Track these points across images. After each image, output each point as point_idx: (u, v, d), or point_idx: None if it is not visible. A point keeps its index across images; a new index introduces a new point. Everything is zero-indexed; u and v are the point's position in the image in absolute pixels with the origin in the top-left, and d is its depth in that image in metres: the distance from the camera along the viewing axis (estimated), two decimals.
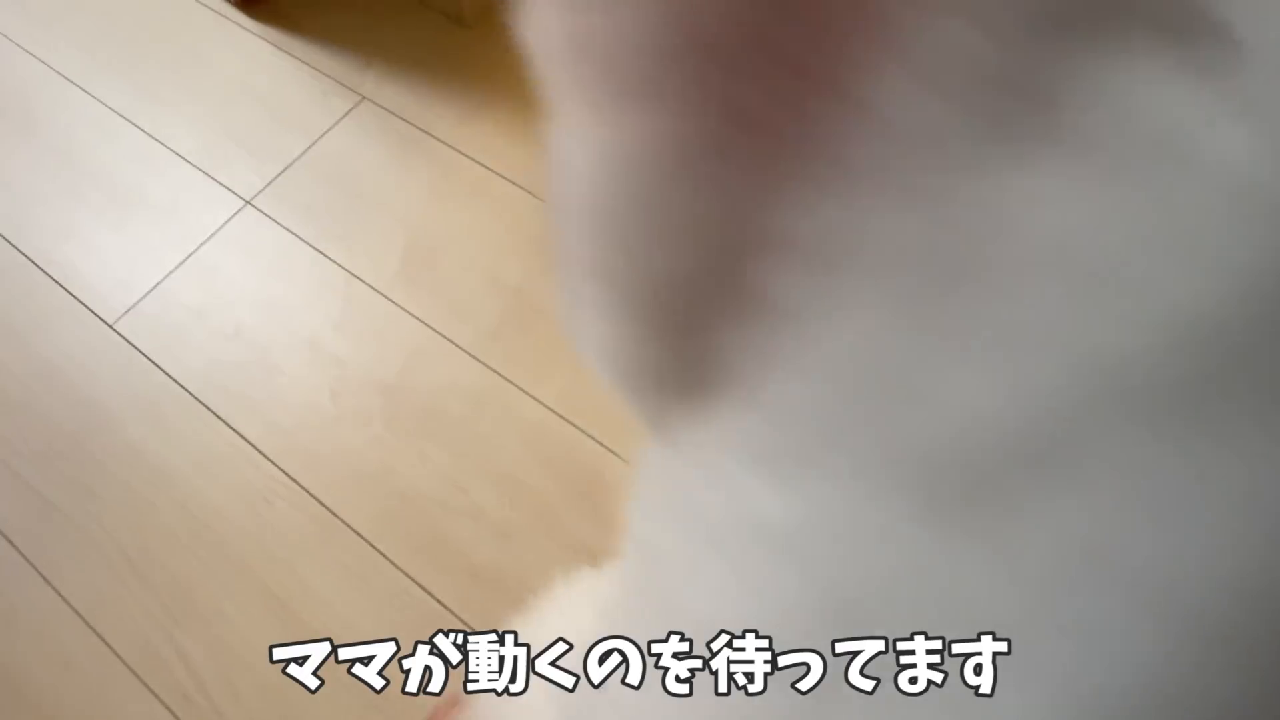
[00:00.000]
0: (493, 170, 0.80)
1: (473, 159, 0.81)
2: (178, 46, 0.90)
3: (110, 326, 0.72)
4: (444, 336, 0.71)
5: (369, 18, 0.91)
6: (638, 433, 0.22)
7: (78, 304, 0.74)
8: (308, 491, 0.63)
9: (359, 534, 0.62)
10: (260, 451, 0.66)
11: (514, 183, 0.80)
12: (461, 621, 0.58)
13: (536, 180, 0.78)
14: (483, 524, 0.62)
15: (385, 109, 0.84)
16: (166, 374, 0.69)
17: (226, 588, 0.61)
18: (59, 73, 0.88)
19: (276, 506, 0.64)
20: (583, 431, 0.65)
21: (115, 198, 0.79)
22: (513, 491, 0.63)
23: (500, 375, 0.68)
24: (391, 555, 0.61)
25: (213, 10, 0.92)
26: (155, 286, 0.74)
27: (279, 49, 0.90)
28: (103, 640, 0.59)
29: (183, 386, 0.69)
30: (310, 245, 0.76)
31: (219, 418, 0.67)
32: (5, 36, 0.90)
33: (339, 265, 0.75)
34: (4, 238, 0.77)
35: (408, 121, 0.83)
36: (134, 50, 0.90)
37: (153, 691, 0.57)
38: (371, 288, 0.74)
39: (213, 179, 0.80)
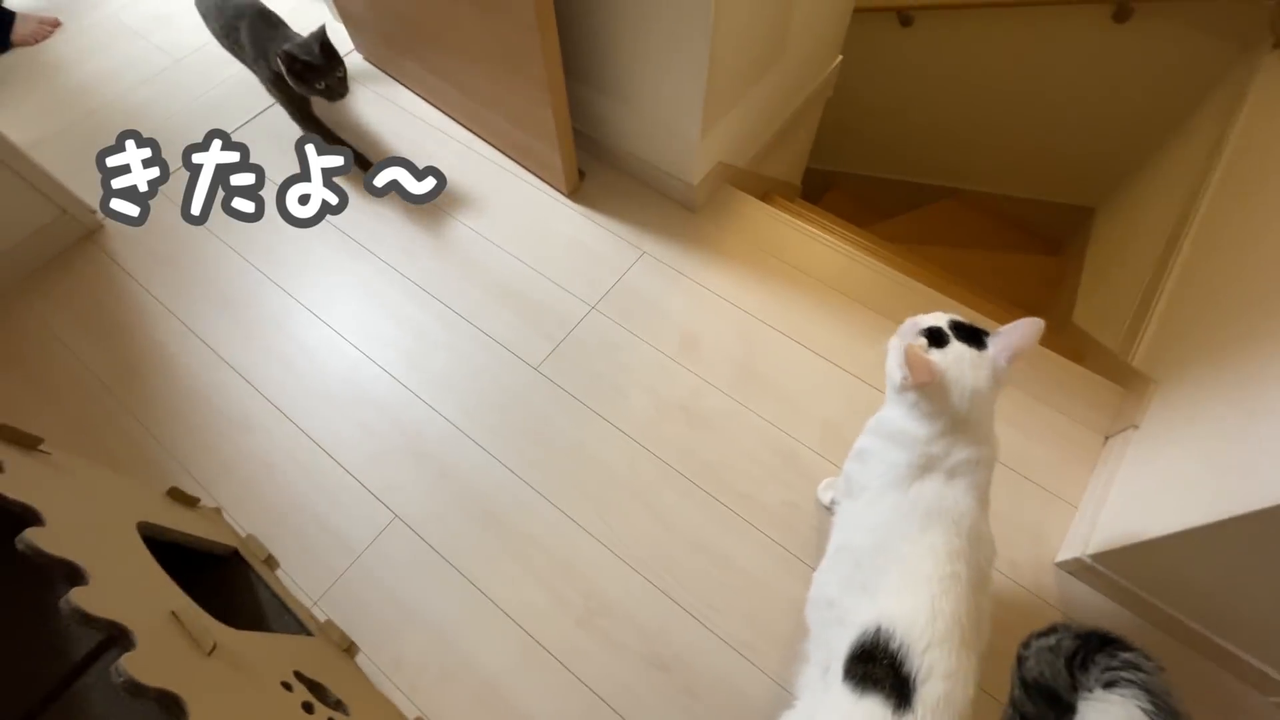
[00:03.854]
0: (718, 294, 1.52)
1: (707, 288, 1.53)
2: (534, 219, 1.63)
3: (535, 369, 1.42)
4: (707, 382, 1.40)
5: (638, 203, 1.65)
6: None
7: (511, 355, 1.44)
8: (652, 452, 1.31)
9: (684, 475, 1.29)
10: (624, 433, 1.34)
11: (729, 301, 1.51)
12: (734, 513, 1.25)
13: (740, 299, 1.50)
14: (736, 475, 1.29)
15: (657, 259, 1.57)
16: (573, 395, 1.39)
17: (617, 494, 1.28)
18: (488, 239, 1.61)
19: (633, 458, 1.31)
20: (786, 433, 1.33)
21: (526, 301, 1.51)
22: (754, 458, 1.31)
23: (741, 404, 1.37)
24: (710, 492, 1.28)
25: (550, 196, 1.66)
26: (555, 349, 1.44)
27: (590, 220, 1.63)
28: (536, 489, 1.26)
29: (580, 401, 1.38)
30: (631, 333, 1.46)
31: (602, 416, 1.36)
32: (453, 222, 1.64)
33: (647, 343, 1.45)
34: (463, 317, 1.48)
35: (671, 267, 1.56)
36: (511, 224, 1.63)
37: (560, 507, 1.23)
38: (666, 355, 1.43)
39: (569, 293, 1.52)
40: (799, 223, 1.68)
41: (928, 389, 0.80)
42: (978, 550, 0.77)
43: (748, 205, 1.68)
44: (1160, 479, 1.08)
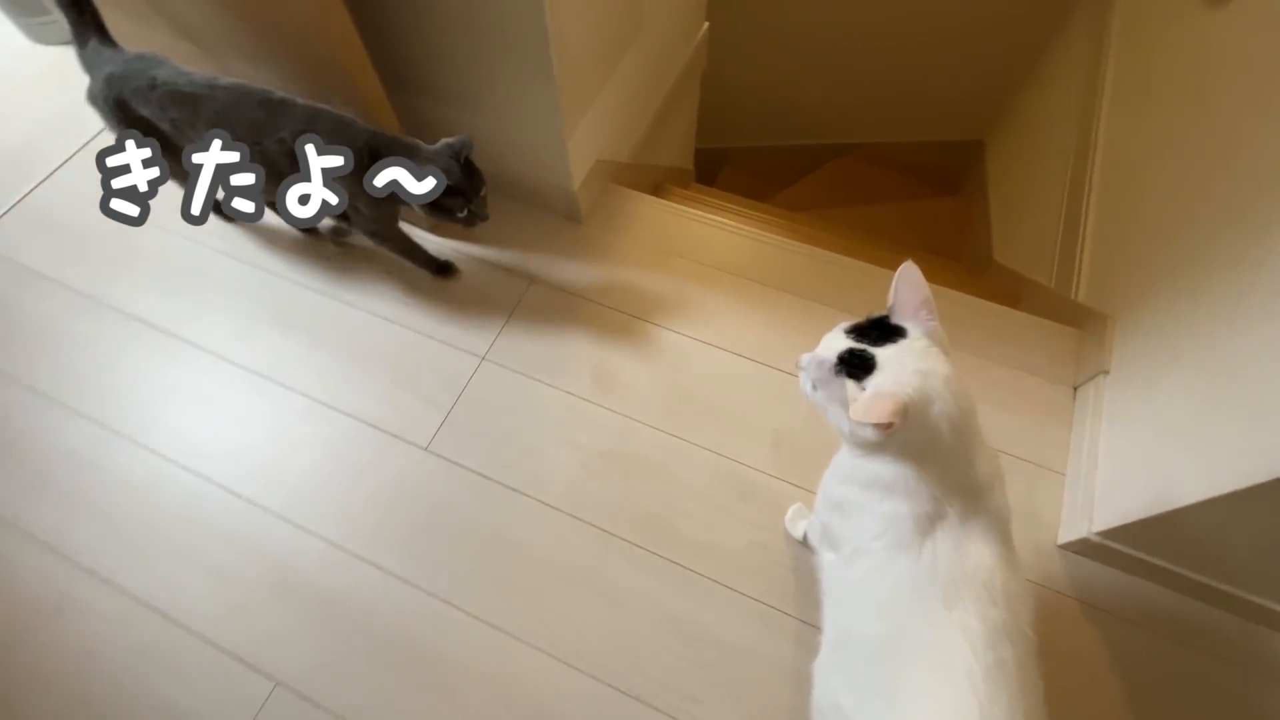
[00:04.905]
0: (625, 313, 1.30)
1: (612, 308, 1.31)
2: (394, 265, 1.36)
3: (425, 450, 1.16)
4: (633, 419, 1.18)
5: (516, 224, 1.40)
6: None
7: (393, 438, 1.17)
8: (589, 523, 1.08)
9: (628, 541, 1.07)
10: (547, 504, 1.10)
11: (640, 318, 1.29)
12: (695, 573, 1.04)
13: (651, 313, 1.29)
14: (693, 521, 1.09)
15: (550, 285, 1.33)
16: (477, 473, 1.13)
17: (552, 584, 1.04)
18: (340, 300, 1.32)
19: (564, 532, 1.08)
20: (735, 460, 1.13)
21: (399, 367, 1.24)
22: (705, 499, 1.10)
23: (677, 437, 1.16)
24: (663, 553, 1.06)
25: (408, 234, 1.39)
26: (445, 419, 1.18)
27: (463, 254, 1.37)
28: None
29: (487, 477, 1.13)
30: (534, 379, 1.22)
31: (517, 491, 1.12)
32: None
33: (556, 387, 1.21)
34: (324, 404, 1.20)
35: (566, 291, 1.32)
36: (365, 276, 1.35)
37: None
38: (579, 397, 1.20)
39: (452, 347, 1.26)
40: (700, 212, 1.49)
41: (909, 423, 0.61)
42: (1018, 614, 0.59)
43: (640, 204, 1.47)
44: (1155, 431, 0.95)
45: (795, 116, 3.03)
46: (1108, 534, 0.97)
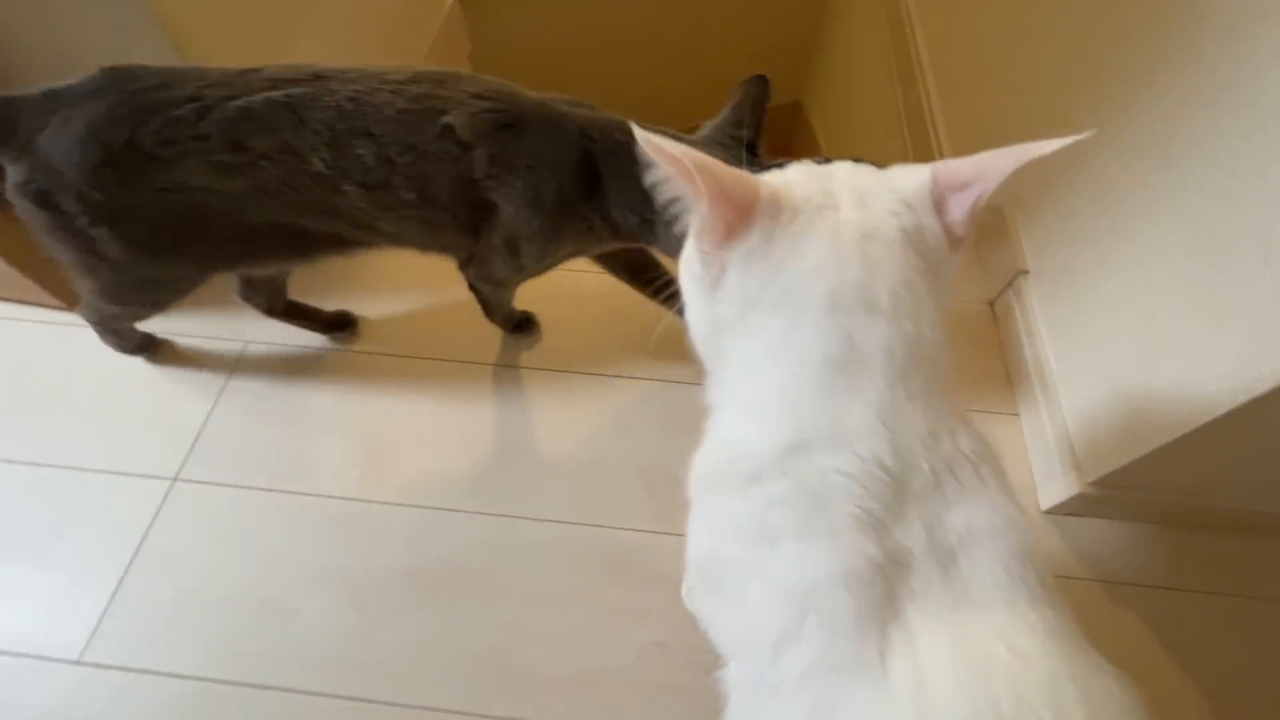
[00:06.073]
0: (389, 353, 0.89)
1: (371, 352, 0.90)
2: (22, 371, 0.87)
3: (77, 663, 0.68)
4: (433, 508, 0.77)
5: None
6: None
7: (30, 660, 0.68)
8: (385, 702, 0.66)
9: (452, 711, 0.65)
10: (315, 693, 0.66)
11: (411, 356, 0.89)
12: None
13: (436, 345, 0.89)
14: (550, 642, 0.69)
15: (274, 341, 0.90)
16: (170, 674, 0.67)
17: None
18: None
19: None
20: (595, 525, 0.76)
21: (31, 533, 0.74)
22: (561, 600, 0.71)
23: (501, 515, 0.76)
24: (514, 714, 0.65)
25: (39, 323, 0.90)
26: (110, 602, 0.71)
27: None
28: None
29: (196, 678, 0.67)
30: (262, 489, 0.78)
31: (253, 685, 0.66)
32: None
33: (303, 494, 0.78)
34: None
35: (298, 345, 0.90)
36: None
37: None
38: (342, 499, 0.78)
39: (127, 474, 0.79)
40: None
41: (749, 247, 0.35)
42: None
43: None
44: (1136, 323, 0.69)
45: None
46: (1109, 481, 0.69)
